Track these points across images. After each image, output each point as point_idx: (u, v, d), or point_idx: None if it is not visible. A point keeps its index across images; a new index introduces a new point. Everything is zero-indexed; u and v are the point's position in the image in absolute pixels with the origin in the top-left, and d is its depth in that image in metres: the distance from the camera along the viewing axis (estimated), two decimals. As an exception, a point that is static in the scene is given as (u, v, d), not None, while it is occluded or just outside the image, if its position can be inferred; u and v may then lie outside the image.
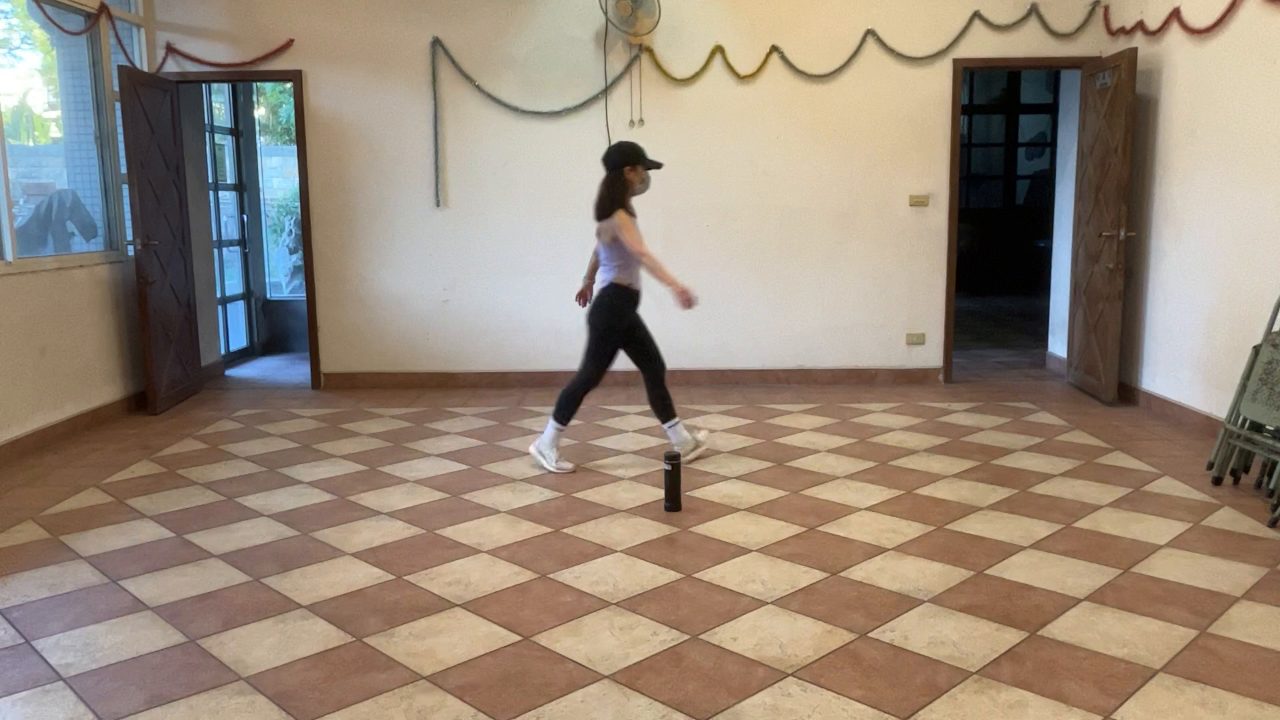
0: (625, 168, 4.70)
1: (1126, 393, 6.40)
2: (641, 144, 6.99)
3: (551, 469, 4.86)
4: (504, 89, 6.86)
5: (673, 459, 4.22)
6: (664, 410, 4.96)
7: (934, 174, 6.91)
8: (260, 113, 11.44)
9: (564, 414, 4.86)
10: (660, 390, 4.96)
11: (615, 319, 4.79)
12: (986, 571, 3.52)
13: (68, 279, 5.80)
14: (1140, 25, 6.16)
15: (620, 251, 4.72)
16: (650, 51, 6.80)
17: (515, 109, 6.86)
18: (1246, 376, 4.54)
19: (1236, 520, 4.05)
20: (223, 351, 8.00)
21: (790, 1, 6.77)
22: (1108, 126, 6.27)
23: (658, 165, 4.80)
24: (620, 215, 4.66)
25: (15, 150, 5.83)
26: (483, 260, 7.02)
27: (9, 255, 5.29)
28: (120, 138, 6.31)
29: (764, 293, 7.05)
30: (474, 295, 7.06)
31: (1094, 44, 6.73)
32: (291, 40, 6.80)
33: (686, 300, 4.60)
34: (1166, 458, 5.03)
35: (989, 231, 12.39)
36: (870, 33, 6.78)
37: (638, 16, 6.55)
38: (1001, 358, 8.15)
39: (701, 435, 5.11)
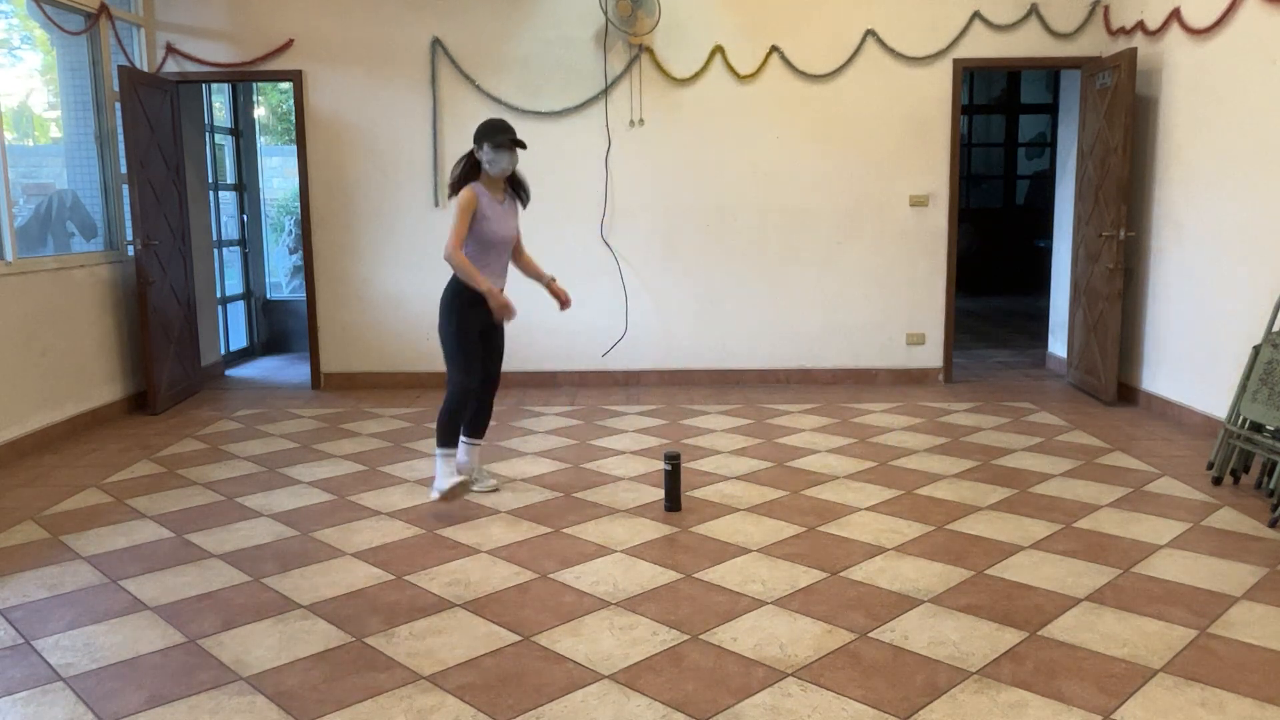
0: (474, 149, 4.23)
1: (1126, 393, 6.39)
2: (642, 144, 7.09)
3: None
4: (504, 89, 6.86)
5: (673, 459, 4.22)
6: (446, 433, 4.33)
7: (934, 174, 6.91)
8: (260, 113, 11.44)
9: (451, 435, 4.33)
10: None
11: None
12: (986, 571, 3.52)
13: (68, 279, 5.80)
14: (1140, 25, 6.16)
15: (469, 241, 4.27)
16: (650, 51, 6.80)
17: (515, 109, 6.86)
18: (1246, 376, 4.54)
19: (1236, 520, 4.05)
20: (223, 351, 7.99)
21: (790, 1, 6.77)
22: (1108, 126, 6.27)
23: (509, 144, 4.18)
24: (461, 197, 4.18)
25: (15, 150, 5.83)
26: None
27: (9, 255, 5.29)
28: (120, 138, 6.31)
29: (764, 293, 7.05)
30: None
31: (1094, 44, 6.73)
32: (291, 40, 6.80)
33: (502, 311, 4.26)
34: (1166, 458, 5.03)
35: (989, 231, 12.38)
36: (870, 33, 6.78)
37: (638, 16, 6.55)
38: (1001, 358, 8.15)
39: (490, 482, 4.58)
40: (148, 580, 3.54)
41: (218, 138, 8.29)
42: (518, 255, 4.59)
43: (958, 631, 3.03)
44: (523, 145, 4.21)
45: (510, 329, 7.24)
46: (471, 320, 4.28)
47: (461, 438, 4.42)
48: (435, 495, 4.24)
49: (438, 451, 4.27)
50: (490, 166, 4.19)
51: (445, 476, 4.23)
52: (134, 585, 3.50)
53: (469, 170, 4.25)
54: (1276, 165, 4.88)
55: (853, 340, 7.08)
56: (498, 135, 4.16)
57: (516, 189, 4.41)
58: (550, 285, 4.60)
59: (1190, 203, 5.70)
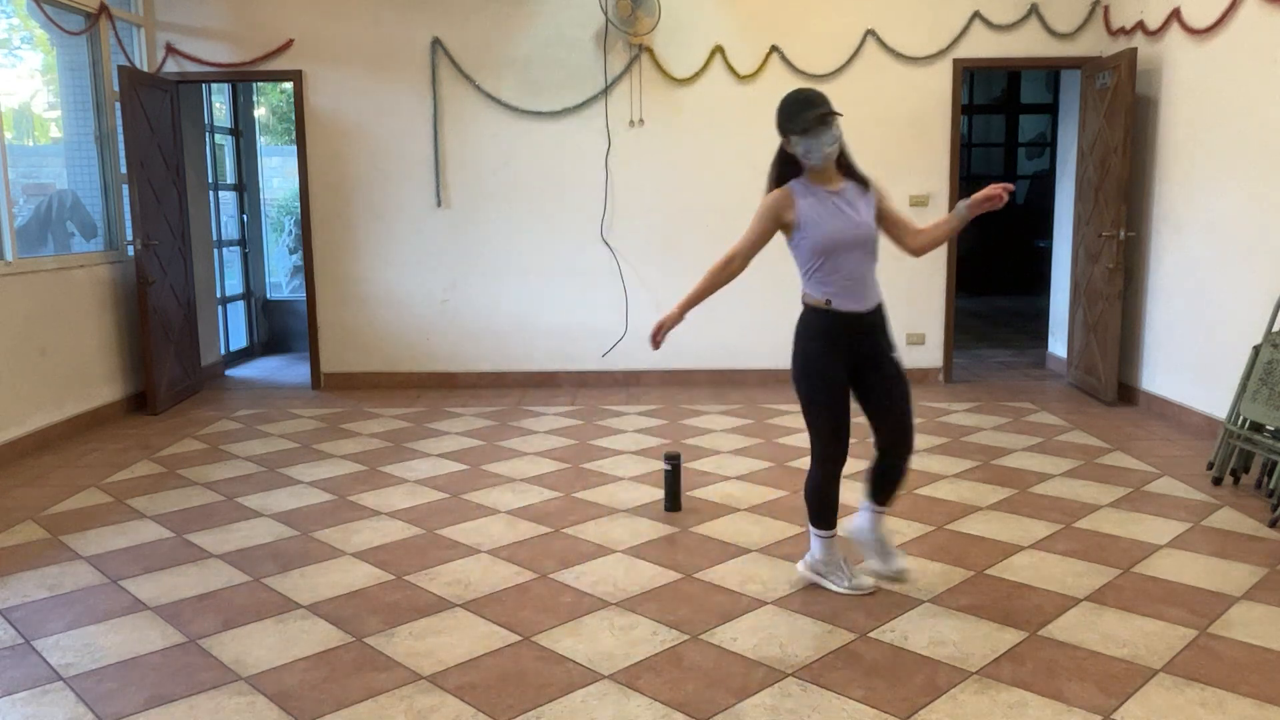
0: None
1: (1126, 393, 6.39)
2: (641, 145, 7.09)
3: (841, 589, 3.35)
4: (504, 89, 6.86)
5: (673, 459, 4.21)
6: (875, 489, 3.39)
7: (934, 174, 6.91)
8: (260, 113, 11.44)
9: (818, 515, 3.34)
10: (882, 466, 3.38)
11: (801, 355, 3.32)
12: (986, 571, 3.52)
13: (68, 279, 5.80)
14: (1140, 25, 6.16)
15: (799, 255, 3.35)
16: (650, 51, 6.80)
17: (515, 109, 6.86)
18: (1246, 376, 4.54)
19: (1236, 520, 4.05)
20: (223, 351, 7.99)
21: (790, 1, 6.77)
22: (1108, 126, 6.27)
23: (818, 120, 3.19)
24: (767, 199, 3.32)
25: (15, 150, 5.83)
26: (483, 260, 7.02)
27: (9, 255, 5.29)
28: (120, 138, 6.31)
29: (764, 293, 7.04)
30: (474, 295, 7.06)
31: (1094, 44, 6.73)
32: (291, 40, 6.80)
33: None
34: (1166, 458, 5.03)
35: (989, 231, 12.36)
36: (870, 33, 6.78)
37: (638, 16, 6.55)
38: (1001, 358, 8.15)
39: (900, 564, 3.42)
40: (148, 580, 3.54)
41: (218, 138, 8.29)
42: (915, 239, 3.39)
43: (958, 631, 3.03)
44: (836, 114, 3.24)
45: (510, 329, 7.32)
46: (826, 360, 3.23)
47: (864, 501, 3.41)
48: (810, 574, 3.40)
49: (811, 530, 3.37)
50: (808, 158, 3.23)
51: (826, 564, 3.36)
52: (134, 585, 3.50)
53: (786, 167, 3.34)
54: (1276, 165, 4.88)
55: (853, 340, 7.07)
56: (803, 116, 3.18)
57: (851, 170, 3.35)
58: (973, 204, 3.20)
59: (1190, 203, 5.70)
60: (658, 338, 3.33)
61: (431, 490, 4.60)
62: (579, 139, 6.89)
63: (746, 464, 4.97)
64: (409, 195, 6.96)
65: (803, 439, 5.47)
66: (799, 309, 3.44)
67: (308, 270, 7.06)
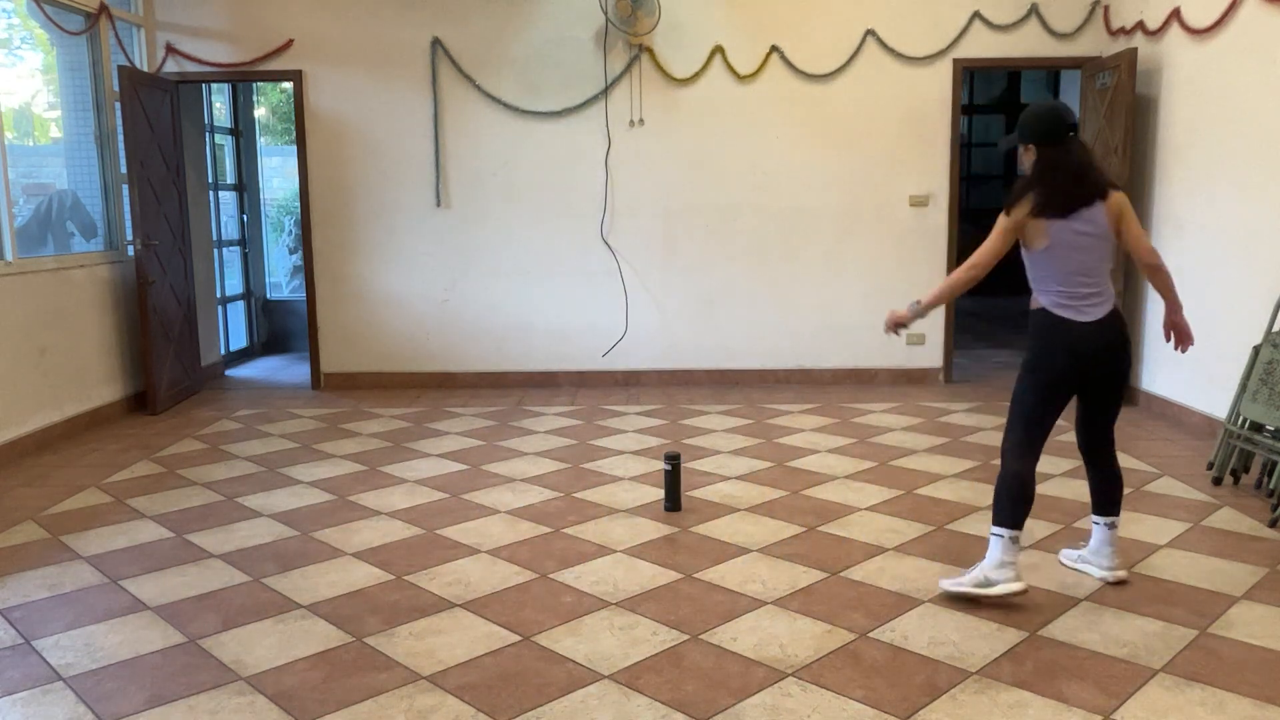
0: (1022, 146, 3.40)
1: (1126, 393, 6.39)
2: (641, 145, 7.09)
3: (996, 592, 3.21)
4: (504, 89, 6.86)
5: (673, 459, 4.22)
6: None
7: (934, 174, 6.91)
8: (260, 113, 11.44)
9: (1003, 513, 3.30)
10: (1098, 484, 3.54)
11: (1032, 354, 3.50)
12: (986, 571, 3.51)
13: (68, 279, 5.80)
14: (1140, 25, 6.15)
15: (1033, 262, 3.50)
16: (650, 51, 6.80)
17: (515, 109, 6.86)
18: (1246, 376, 4.54)
19: (1236, 520, 4.05)
20: (223, 351, 7.99)
21: (790, 1, 6.77)
22: (1108, 126, 6.27)
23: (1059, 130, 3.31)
24: (1005, 214, 3.46)
25: (15, 150, 5.83)
26: (483, 260, 7.02)
27: (9, 255, 5.29)
28: (120, 138, 6.30)
29: (764, 293, 7.05)
30: (474, 295, 7.06)
31: (1094, 44, 6.73)
32: (291, 40, 6.80)
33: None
34: (1166, 458, 5.03)
35: (989, 231, 12.36)
36: (870, 33, 6.78)
37: (638, 16, 6.55)
38: (1001, 358, 8.15)
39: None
40: (148, 580, 3.54)
41: (218, 138, 8.29)
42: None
43: (958, 631, 3.03)
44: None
45: (510, 329, 7.32)
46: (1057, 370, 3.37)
47: (1093, 517, 3.48)
48: (951, 586, 3.27)
49: (990, 530, 3.29)
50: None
51: (995, 567, 3.20)
52: (134, 585, 3.50)
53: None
54: (1276, 165, 4.88)
55: (852, 340, 7.08)
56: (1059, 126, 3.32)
57: None
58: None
59: (1190, 203, 5.70)
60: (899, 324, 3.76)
61: (431, 490, 4.60)
62: (579, 139, 6.89)
63: (746, 464, 4.97)
64: (409, 195, 6.96)
65: (803, 438, 5.47)
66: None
67: (308, 270, 7.06)
